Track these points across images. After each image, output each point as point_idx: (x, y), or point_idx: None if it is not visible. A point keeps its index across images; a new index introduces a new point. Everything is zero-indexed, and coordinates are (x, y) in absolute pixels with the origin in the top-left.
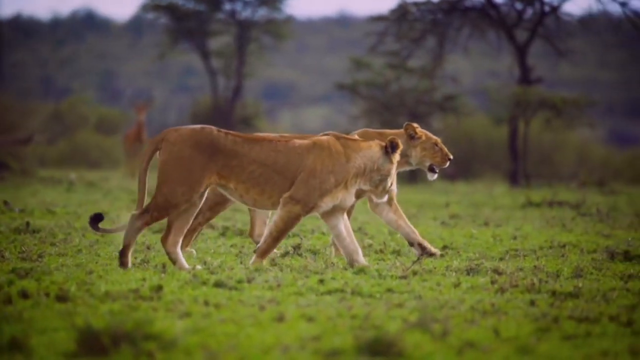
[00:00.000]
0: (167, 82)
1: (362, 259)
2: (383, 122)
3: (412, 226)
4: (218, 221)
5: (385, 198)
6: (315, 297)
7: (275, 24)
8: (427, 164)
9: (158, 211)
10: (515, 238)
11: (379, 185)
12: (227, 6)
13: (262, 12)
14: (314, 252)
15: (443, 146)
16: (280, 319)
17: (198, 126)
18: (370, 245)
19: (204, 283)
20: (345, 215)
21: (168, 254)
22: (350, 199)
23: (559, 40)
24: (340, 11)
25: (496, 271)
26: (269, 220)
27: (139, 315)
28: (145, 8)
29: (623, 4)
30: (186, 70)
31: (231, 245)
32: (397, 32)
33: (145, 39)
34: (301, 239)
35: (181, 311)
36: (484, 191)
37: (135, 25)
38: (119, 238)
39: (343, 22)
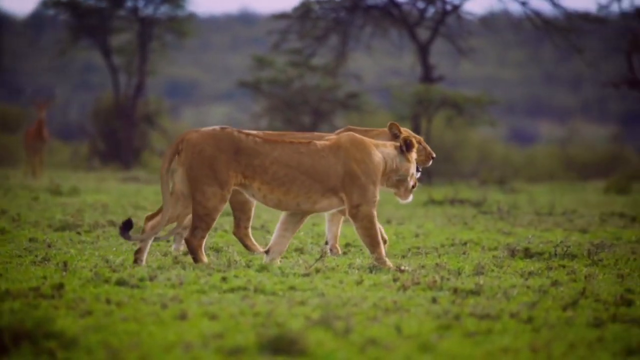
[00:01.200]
0: (68, 80)
1: (277, 262)
2: (286, 120)
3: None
4: (120, 218)
5: (410, 199)
6: (218, 295)
7: (178, 21)
8: None
9: (203, 221)
10: (417, 236)
11: (401, 185)
12: (129, 3)
13: (164, 10)
14: (217, 250)
15: (426, 145)
16: (183, 317)
17: (217, 127)
18: None
19: (106, 281)
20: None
21: (143, 229)
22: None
23: (460, 39)
24: (242, 9)
25: (398, 269)
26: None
27: (40, 313)
28: (45, 4)
29: (523, 3)
30: (87, 67)
31: (134, 243)
32: (300, 30)
33: (46, 35)
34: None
35: (82, 309)
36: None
37: (36, 21)
38: (20, 235)
39: (245, 19)
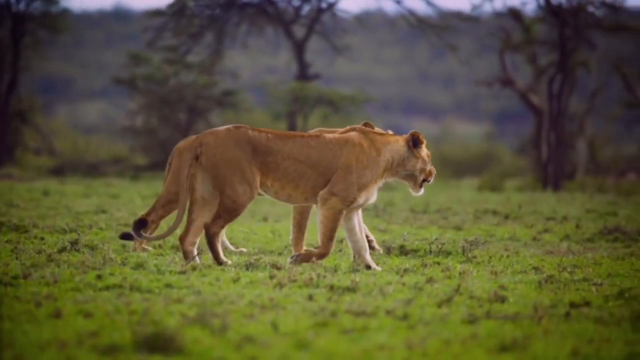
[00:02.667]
0: None
1: (368, 257)
2: (162, 117)
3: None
4: None
5: (421, 192)
6: (93, 293)
7: (51, 17)
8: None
9: (228, 214)
10: None
11: (410, 179)
12: None
13: (37, 5)
14: (92, 248)
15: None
16: (57, 315)
17: (231, 126)
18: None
19: None
20: (360, 212)
21: (185, 252)
22: (375, 193)
23: (335, 37)
24: (116, 5)
25: (275, 266)
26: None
27: None
28: None
29: (398, 2)
30: None
31: (7, 241)
32: (175, 27)
33: None
34: (79, 234)
35: None
36: None
37: None
38: None
39: (120, 16)
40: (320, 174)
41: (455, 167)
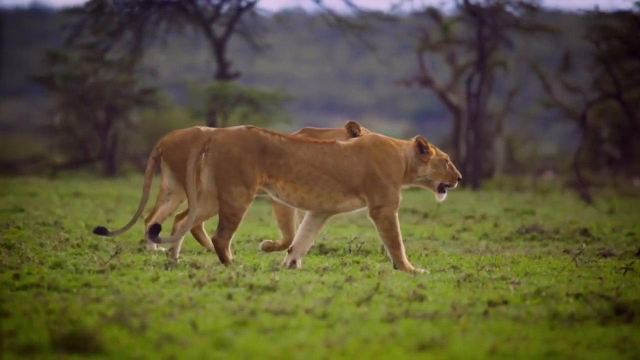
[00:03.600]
0: None
1: (300, 262)
2: (80, 115)
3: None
4: None
5: (443, 198)
6: (10, 293)
7: None
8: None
9: (229, 221)
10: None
11: (427, 185)
12: None
13: None
14: (9, 247)
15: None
16: None
17: (243, 126)
18: (67, 240)
19: None
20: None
21: (173, 229)
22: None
23: (255, 36)
24: (33, 2)
25: (194, 265)
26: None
27: None
28: None
29: (317, 1)
30: None
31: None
32: (93, 25)
33: None
34: None
35: None
36: None
37: None
38: None
39: (37, 13)
40: (339, 180)
41: None
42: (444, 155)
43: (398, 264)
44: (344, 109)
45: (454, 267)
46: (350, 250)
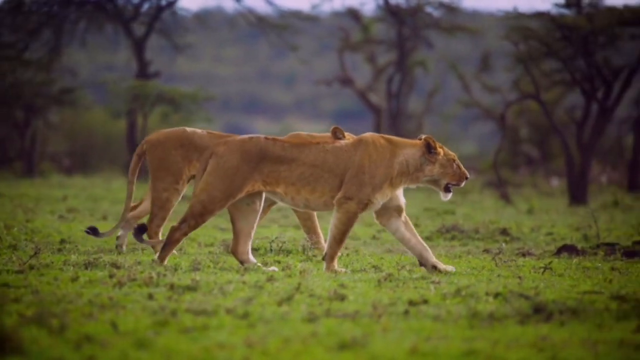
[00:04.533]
0: None
1: (432, 257)
2: None
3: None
4: None
5: (449, 197)
6: None
7: None
8: None
9: (195, 219)
10: None
11: (435, 185)
12: None
13: None
14: None
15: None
16: None
17: (246, 136)
18: None
19: None
20: (405, 216)
21: (242, 262)
22: (398, 197)
23: (176, 35)
24: None
25: (114, 265)
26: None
27: None
28: None
29: (238, 0)
30: None
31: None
32: (12, 24)
33: None
34: None
35: None
36: (103, 185)
37: None
38: None
39: None
40: (337, 176)
41: None
42: (452, 154)
43: (328, 258)
44: (265, 109)
45: (375, 267)
46: (271, 250)
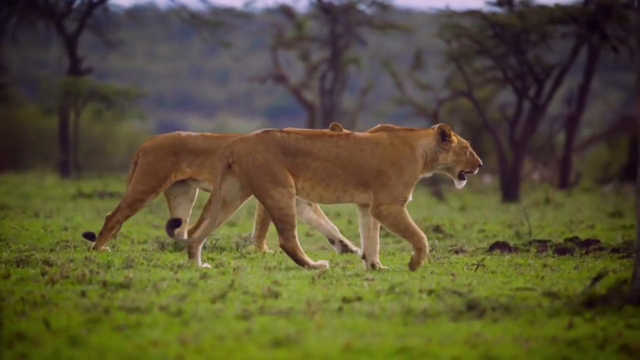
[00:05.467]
0: None
1: (377, 259)
2: None
3: (332, 224)
4: None
5: (463, 184)
6: None
7: None
8: None
9: (284, 222)
10: (66, 229)
11: (448, 172)
12: None
13: None
14: None
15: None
16: None
17: (260, 131)
18: None
19: None
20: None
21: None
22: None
23: (108, 32)
24: None
25: (47, 262)
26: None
27: None
28: None
29: None
30: None
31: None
32: None
33: None
34: None
35: None
36: (35, 182)
37: None
38: None
39: None
40: (351, 173)
41: None
42: (465, 142)
43: (415, 263)
44: (198, 106)
45: None
46: (205, 247)
